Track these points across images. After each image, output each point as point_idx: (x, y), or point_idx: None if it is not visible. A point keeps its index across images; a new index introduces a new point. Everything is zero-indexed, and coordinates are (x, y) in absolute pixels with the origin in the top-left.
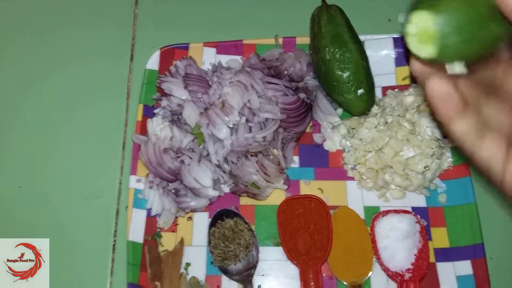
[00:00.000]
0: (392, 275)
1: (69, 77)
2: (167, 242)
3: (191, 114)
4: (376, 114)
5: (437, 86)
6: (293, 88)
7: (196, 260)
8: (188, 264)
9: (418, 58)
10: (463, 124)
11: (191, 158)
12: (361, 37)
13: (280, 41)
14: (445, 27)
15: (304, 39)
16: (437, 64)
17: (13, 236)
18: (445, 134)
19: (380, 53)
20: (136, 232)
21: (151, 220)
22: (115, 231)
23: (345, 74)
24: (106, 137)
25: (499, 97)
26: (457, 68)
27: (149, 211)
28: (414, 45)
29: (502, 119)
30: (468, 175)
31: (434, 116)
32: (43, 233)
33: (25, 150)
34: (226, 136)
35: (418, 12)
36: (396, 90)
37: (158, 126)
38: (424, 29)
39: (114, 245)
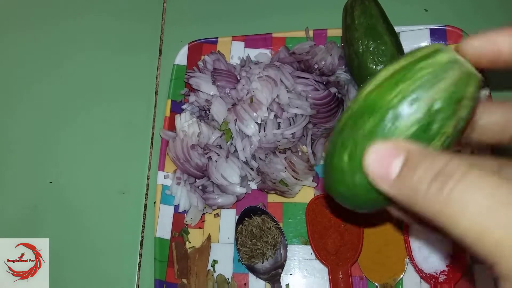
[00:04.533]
0: (426, 277)
1: (98, 72)
2: (194, 238)
3: (219, 110)
4: None
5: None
6: (324, 83)
7: (223, 258)
8: (215, 261)
9: None
10: None
11: (218, 155)
12: (397, 29)
13: (311, 33)
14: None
15: (335, 31)
16: None
17: (47, 229)
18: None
19: (416, 46)
20: (164, 228)
21: (178, 216)
22: (143, 226)
23: (380, 68)
24: (134, 132)
25: None
26: None
27: (176, 207)
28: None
29: None
30: None
31: None
32: (71, 228)
33: (55, 146)
34: (254, 132)
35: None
36: None
37: (186, 122)
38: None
39: (142, 240)
